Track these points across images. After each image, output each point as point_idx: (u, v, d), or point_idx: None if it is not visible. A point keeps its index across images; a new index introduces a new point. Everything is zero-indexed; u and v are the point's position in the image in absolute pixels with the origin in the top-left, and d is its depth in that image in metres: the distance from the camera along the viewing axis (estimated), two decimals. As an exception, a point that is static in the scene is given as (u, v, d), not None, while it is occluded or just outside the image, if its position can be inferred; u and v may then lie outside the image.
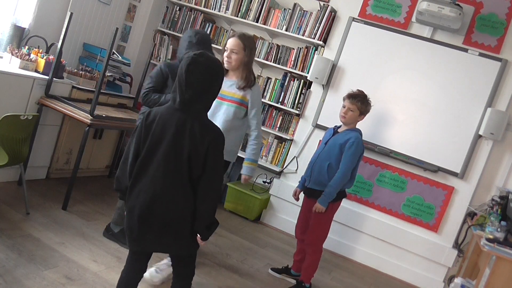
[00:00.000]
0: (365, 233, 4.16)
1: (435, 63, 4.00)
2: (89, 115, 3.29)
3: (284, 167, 4.47)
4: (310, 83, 4.40)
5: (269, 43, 4.60)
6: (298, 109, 4.45)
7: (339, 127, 3.20)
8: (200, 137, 1.85)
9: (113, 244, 3.06)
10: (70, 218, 3.25)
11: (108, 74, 4.17)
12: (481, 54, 3.89)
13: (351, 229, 4.16)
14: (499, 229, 3.00)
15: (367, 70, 4.18)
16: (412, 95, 4.06)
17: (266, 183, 4.71)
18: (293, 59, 4.49)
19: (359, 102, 3.05)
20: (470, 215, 3.87)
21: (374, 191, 4.17)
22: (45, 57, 3.55)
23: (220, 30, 4.90)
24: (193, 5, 4.88)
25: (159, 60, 5.04)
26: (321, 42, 4.33)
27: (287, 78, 4.53)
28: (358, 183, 4.15)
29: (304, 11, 4.43)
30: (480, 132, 3.82)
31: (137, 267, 2.06)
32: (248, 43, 2.72)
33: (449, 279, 3.92)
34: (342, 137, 3.07)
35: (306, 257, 3.18)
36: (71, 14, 3.37)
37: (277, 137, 4.60)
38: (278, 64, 4.54)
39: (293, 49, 4.52)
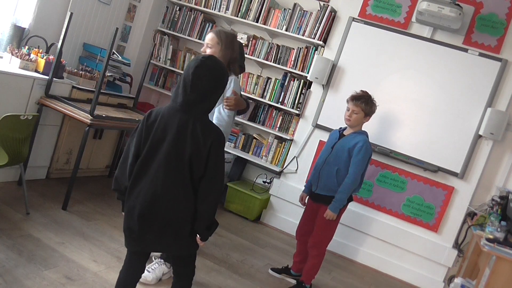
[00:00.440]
0: (365, 233, 4.16)
1: (435, 63, 4.00)
2: (89, 115, 3.29)
3: (284, 167, 4.47)
4: (310, 83, 4.40)
5: (269, 43, 4.60)
6: (298, 109, 4.45)
7: (344, 129, 3.14)
8: (202, 138, 1.86)
9: (113, 244, 3.06)
10: (70, 218, 3.25)
11: (108, 74, 4.17)
12: (481, 54, 3.89)
13: (351, 229, 4.16)
14: (499, 229, 3.00)
15: (367, 70, 4.18)
16: (412, 95, 4.06)
17: (266, 183, 4.71)
18: (293, 59, 4.49)
19: (363, 104, 2.99)
20: (470, 215, 3.87)
21: (374, 191, 4.17)
22: (45, 57, 3.55)
23: (220, 30, 4.89)
24: (193, 5, 4.88)
25: (159, 60, 5.04)
26: (321, 42, 4.33)
27: (287, 78, 4.53)
28: (358, 183, 4.16)
29: (304, 11, 4.43)
30: (480, 132, 3.82)
31: (135, 267, 2.06)
32: (225, 39, 2.67)
33: (449, 279, 3.92)
34: (350, 141, 3.01)
35: (309, 259, 3.16)
36: (71, 14, 3.37)
37: (277, 137, 4.60)
38: (278, 64, 4.54)
39: (293, 49, 4.52)
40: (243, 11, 4.64)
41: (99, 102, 3.75)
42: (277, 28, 4.50)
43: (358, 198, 4.19)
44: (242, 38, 4.61)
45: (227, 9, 4.69)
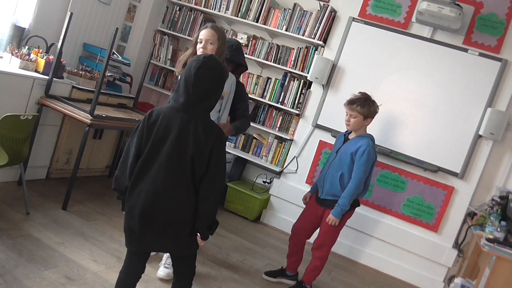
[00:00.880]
0: (365, 233, 4.16)
1: (435, 63, 4.00)
2: (89, 115, 3.29)
3: (284, 167, 4.47)
4: (310, 83, 4.40)
5: (269, 43, 4.60)
6: (298, 109, 4.45)
7: (350, 133, 3.10)
8: (204, 137, 1.86)
9: (113, 244, 3.06)
10: (70, 218, 3.25)
11: (108, 74, 4.17)
12: (481, 54, 3.89)
13: (351, 229, 4.15)
14: (499, 229, 3.00)
15: (367, 70, 4.18)
16: (412, 95, 4.06)
17: (266, 183, 4.71)
18: (293, 59, 4.49)
19: (359, 107, 2.93)
20: (470, 215, 3.87)
21: (374, 191, 4.17)
22: (45, 57, 3.55)
23: (220, 30, 4.89)
24: (193, 5, 4.88)
25: (159, 60, 5.04)
26: (321, 42, 4.33)
27: (287, 78, 4.53)
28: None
29: (304, 11, 4.43)
30: (480, 132, 3.82)
31: (135, 267, 2.06)
32: (221, 34, 2.71)
33: (449, 279, 3.92)
34: (353, 145, 2.97)
35: (312, 261, 3.13)
36: (71, 14, 3.37)
37: (277, 137, 4.60)
38: (278, 64, 4.54)
39: (293, 49, 4.52)
40: (243, 11, 4.64)
41: (99, 102, 3.75)
42: (277, 28, 4.50)
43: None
44: (242, 38, 4.61)
45: (227, 9, 4.69)
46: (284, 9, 4.52)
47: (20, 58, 3.42)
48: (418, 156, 4.01)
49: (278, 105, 4.53)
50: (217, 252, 3.46)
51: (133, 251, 2.02)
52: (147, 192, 1.87)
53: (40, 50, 3.66)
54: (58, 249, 2.77)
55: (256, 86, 4.65)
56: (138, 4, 4.85)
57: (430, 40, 4.03)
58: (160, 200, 1.87)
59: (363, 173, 2.91)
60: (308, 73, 4.34)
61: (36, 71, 3.52)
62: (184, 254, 2.05)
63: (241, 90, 2.96)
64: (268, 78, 4.63)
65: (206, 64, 1.88)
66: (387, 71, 4.13)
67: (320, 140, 4.30)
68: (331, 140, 4.20)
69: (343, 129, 3.22)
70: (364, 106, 2.94)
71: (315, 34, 4.35)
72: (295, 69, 4.48)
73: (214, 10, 4.75)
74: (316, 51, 4.41)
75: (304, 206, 3.27)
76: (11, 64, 3.40)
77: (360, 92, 3.05)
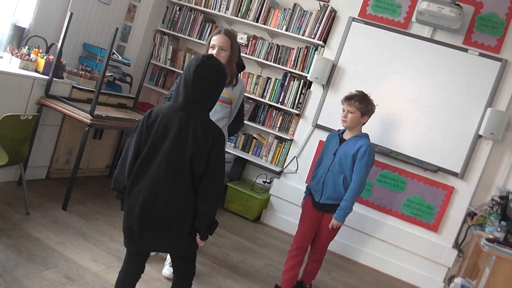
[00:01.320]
0: (365, 233, 4.16)
1: (435, 63, 4.00)
2: (89, 115, 3.29)
3: (284, 167, 4.47)
4: (310, 83, 4.40)
5: (269, 43, 4.60)
6: (298, 109, 4.45)
7: (343, 132, 3.02)
8: (203, 137, 1.86)
9: (113, 244, 3.06)
10: (70, 218, 3.25)
11: (108, 74, 4.17)
12: (481, 54, 3.89)
13: (351, 229, 4.16)
14: (499, 229, 3.00)
15: (367, 70, 4.18)
16: (412, 95, 4.06)
17: (266, 183, 4.71)
18: (293, 59, 4.49)
19: (357, 102, 2.86)
20: (470, 215, 3.87)
21: (374, 191, 4.17)
22: (45, 57, 3.55)
23: (220, 30, 4.89)
24: (193, 5, 4.88)
25: (159, 60, 5.04)
26: (321, 42, 4.33)
27: (287, 78, 4.53)
28: (358, 183, 4.15)
29: (304, 11, 4.43)
30: (480, 132, 3.82)
31: (135, 267, 2.05)
32: (234, 39, 2.72)
33: (449, 279, 3.92)
34: (352, 146, 2.88)
35: (314, 264, 3.11)
36: (71, 14, 3.37)
37: (277, 137, 4.60)
38: (278, 64, 4.54)
39: (293, 49, 4.52)
40: (243, 11, 4.64)
41: (99, 102, 3.75)
42: (277, 28, 4.50)
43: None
44: (242, 38, 4.61)
45: (227, 9, 4.69)
46: (284, 9, 4.52)
47: (20, 58, 3.42)
48: (418, 156, 4.01)
49: (278, 105, 4.53)
50: (217, 252, 3.46)
51: (133, 251, 2.02)
52: (146, 191, 1.87)
53: (40, 50, 3.66)
54: (58, 249, 2.77)
55: (256, 86, 4.65)
56: (138, 4, 4.85)
57: (430, 40, 4.03)
58: (159, 199, 1.87)
59: (364, 174, 2.85)
60: (308, 73, 4.34)
61: (36, 71, 3.52)
62: (184, 254, 2.05)
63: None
64: (268, 78, 4.63)
65: (205, 63, 1.88)
66: (387, 71, 4.13)
67: (320, 140, 4.30)
68: (331, 140, 4.20)
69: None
70: (362, 102, 2.88)
71: (315, 34, 4.35)
72: (295, 69, 4.48)
73: (214, 10, 4.76)
74: (316, 51, 4.41)
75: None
76: (11, 64, 3.40)
77: (357, 90, 2.98)
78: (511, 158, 3.88)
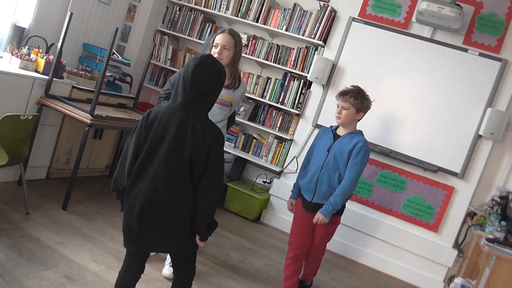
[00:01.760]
0: (365, 233, 4.16)
1: (435, 63, 4.00)
2: (89, 115, 3.29)
3: (284, 167, 4.47)
4: (310, 83, 4.40)
5: (269, 43, 4.60)
6: (298, 109, 4.45)
7: (336, 128, 2.90)
8: (202, 137, 1.86)
9: (113, 244, 3.06)
10: (70, 218, 3.25)
11: (108, 74, 4.17)
12: (481, 54, 3.89)
13: (351, 229, 4.16)
14: (499, 229, 3.00)
15: (367, 70, 4.18)
16: (412, 95, 4.06)
17: (266, 183, 4.71)
18: (293, 59, 4.49)
19: (352, 98, 2.73)
20: (470, 215, 3.87)
21: (374, 191, 4.17)
22: (45, 57, 3.55)
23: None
24: (193, 5, 4.88)
25: (159, 60, 5.04)
26: (321, 42, 4.33)
27: (287, 78, 4.53)
28: (358, 183, 4.14)
29: (304, 11, 4.43)
30: (480, 132, 3.82)
31: (134, 267, 2.05)
32: (238, 40, 2.69)
33: (449, 279, 3.92)
34: (348, 142, 2.76)
35: (313, 264, 3.07)
36: (71, 14, 3.37)
37: (277, 137, 4.60)
38: (278, 64, 4.54)
39: (293, 49, 4.52)
40: (243, 11, 4.64)
41: (99, 102, 3.75)
42: (277, 28, 4.50)
43: (358, 198, 4.20)
44: (242, 38, 4.59)
45: (227, 9, 4.69)
46: (284, 9, 4.52)
47: (20, 58, 3.42)
48: (418, 156, 4.01)
49: (278, 105, 4.53)
50: (217, 252, 3.46)
51: (132, 251, 2.02)
52: (146, 191, 1.87)
53: (40, 50, 3.66)
54: (58, 249, 2.77)
55: (256, 86, 4.65)
56: (138, 4, 4.85)
57: (430, 40, 4.03)
58: (159, 199, 1.87)
59: (359, 170, 2.73)
60: (308, 73, 4.34)
61: (36, 71, 3.52)
62: (184, 254, 2.05)
63: None
64: (268, 78, 4.63)
65: (204, 62, 1.88)
66: (387, 71, 4.13)
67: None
68: (331, 140, 4.19)
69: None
70: (357, 98, 2.75)
71: (315, 34, 4.35)
72: (295, 69, 4.48)
73: (214, 10, 4.75)
74: (316, 51, 4.41)
75: (291, 213, 3.05)
76: (11, 64, 3.40)
77: (352, 85, 2.88)
78: (511, 158, 3.88)
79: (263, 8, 4.55)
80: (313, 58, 4.36)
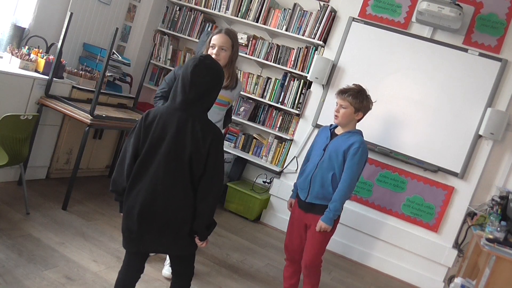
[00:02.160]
0: (365, 233, 4.16)
1: (435, 63, 4.00)
2: (89, 115, 3.29)
3: (284, 167, 4.47)
4: (310, 83, 4.40)
5: (269, 43, 4.60)
6: (298, 109, 4.45)
7: (335, 127, 2.78)
8: (202, 137, 1.86)
9: (113, 244, 3.06)
10: (70, 218, 3.25)
11: (108, 74, 4.17)
12: (481, 54, 3.89)
13: (351, 229, 4.16)
14: (499, 229, 3.00)
15: (367, 70, 4.18)
16: (412, 95, 4.06)
17: (266, 183, 4.71)
18: (293, 59, 4.49)
19: (351, 97, 2.62)
20: (470, 215, 3.87)
21: (374, 191, 4.17)
22: (45, 57, 3.55)
23: (220, 30, 4.89)
24: (193, 5, 4.87)
25: (159, 60, 5.04)
26: (321, 42, 4.33)
27: (287, 78, 4.53)
28: (358, 183, 4.13)
29: (304, 11, 4.43)
30: (480, 132, 3.82)
31: (134, 267, 2.05)
32: (235, 39, 2.68)
33: (449, 279, 3.92)
34: (344, 142, 2.63)
35: (306, 280, 2.75)
36: (71, 14, 3.37)
37: (277, 137, 4.60)
38: (278, 64, 4.54)
39: (293, 49, 4.52)
40: (243, 11, 4.64)
41: (99, 102, 3.75)
42: (277, 28, 4.50)
43: (358, 198, 4.20)
44: (242, 38, 4.61)
45: (227, 9, 4.69)
46: (284, 9, 4.52)
47: (20, 58, 3.42)
48: (418, 156, 4.01)
49: (278, 105, 4.53)
50: (217, 252, 3.46)
51: (132, 251, 2.02)
52: (146, 192, 1.87)
53: (40, 50, 3.66)
54: (58, 249, 2.77)
55: (256, 86, 4.65)
56: (138, 4, 4.85)
57: (430, 40, 4.03)
58: (158, 199, 1.87)
59: (356, 172, 2.60)
60: (308, 73, 4.34)
61: (36, 71, 3.52)
62: (184, 254, 2.05)
63: None
64: (268, 78, 4.63)
65: (202, 62, 1.89)
66: (387, 71, 4.13)
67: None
68: (331, 140, 4.19)
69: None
70: (356, 97, 2.63)
71: (315, 34, 4.35)
72: (295, 69, 4.48)
73: (214, 10, 4.75)
74: (316, 51, 4.41)
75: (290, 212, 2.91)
76: (11, 64, 3.40)
77: (354, 84, 2.76)
78: (511, 158, 3.88)
79: (263, 8, 4.55)
80: (313, 58, 4.36)
